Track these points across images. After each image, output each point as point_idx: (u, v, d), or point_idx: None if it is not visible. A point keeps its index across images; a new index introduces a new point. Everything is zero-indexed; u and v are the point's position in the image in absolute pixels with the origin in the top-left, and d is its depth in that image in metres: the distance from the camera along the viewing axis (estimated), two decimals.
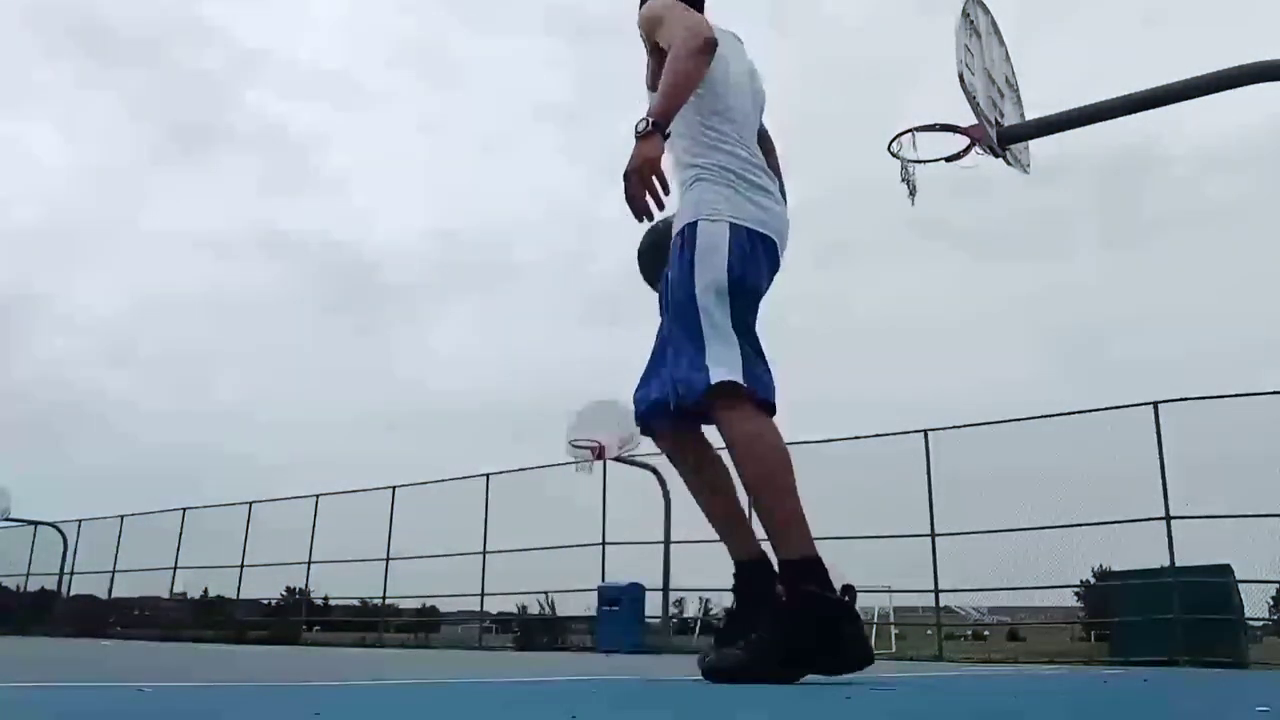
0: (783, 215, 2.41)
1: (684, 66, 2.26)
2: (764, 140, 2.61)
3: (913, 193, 5.75)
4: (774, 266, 2.38)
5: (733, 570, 2.34)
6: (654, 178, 2.19)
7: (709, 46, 2.30)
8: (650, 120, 2.23)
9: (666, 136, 2.26)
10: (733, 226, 2.29)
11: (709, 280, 2.25)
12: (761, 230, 2.31)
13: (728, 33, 2.56)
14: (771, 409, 2.23)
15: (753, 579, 2.28)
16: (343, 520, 16.57)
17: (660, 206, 2.23)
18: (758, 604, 2.21)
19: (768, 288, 2.37)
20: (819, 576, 2.09)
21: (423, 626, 18.20)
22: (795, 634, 2.09)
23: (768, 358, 2.27)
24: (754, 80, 2.61)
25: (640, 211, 2.21)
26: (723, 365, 2.18)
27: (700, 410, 2.23)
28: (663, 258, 2.42)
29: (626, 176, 2.18)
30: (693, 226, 2.34)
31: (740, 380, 2.16)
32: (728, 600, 2.61)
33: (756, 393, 2.18)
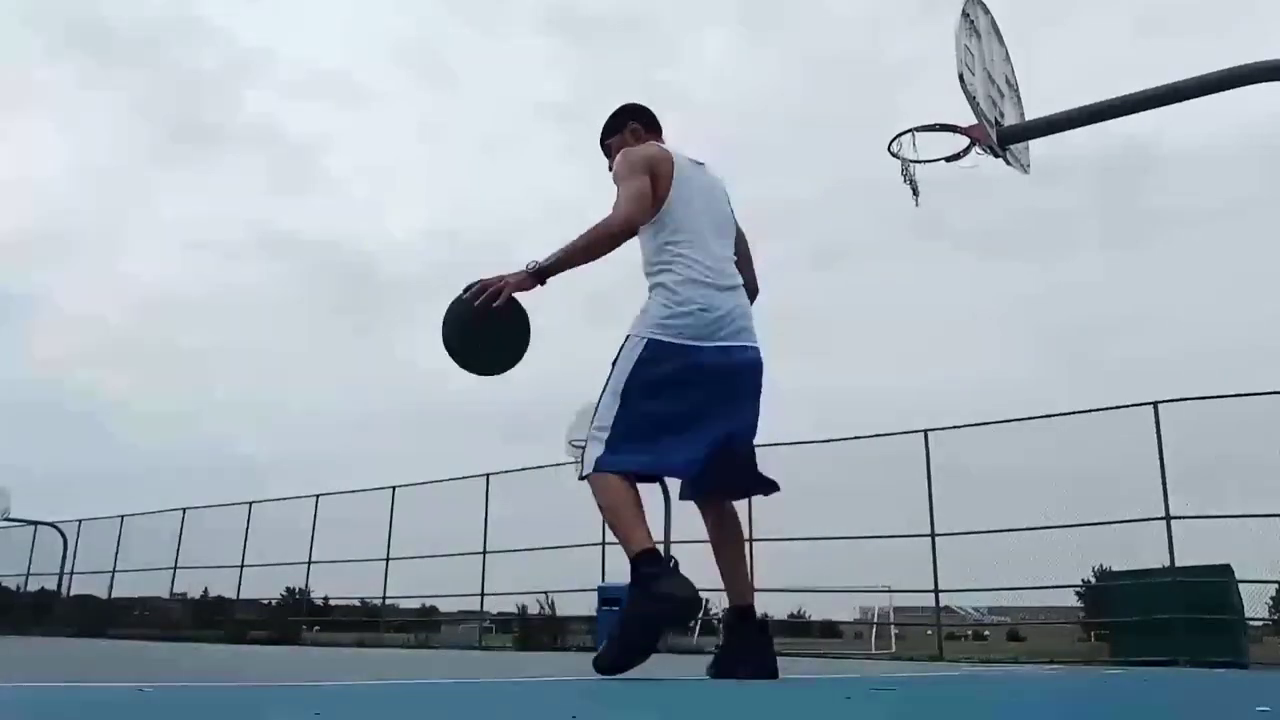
0: (717, 312, 2.83)
1: (597, 238, 2.78)
2: (738, 241, 3.07)
3: (916, 193, 5.75)
4: (693, 359, 2.80)
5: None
6: (495, 295, 2.71)
7: (626, 230, 2.83)
8: (539, 266, 2.74)
9: (543, 283, 2.77)
10: (648, 342, 2.80)
11: (613, 385, 2.81)
12: (676, 341, 2.79)
13: (688, 160, 3.02)
14: (638, 475, 2.78)
15: (734, 620, 2.88)
16: (343, 520, 16.57)
17: (483, 316, 2.71)
18: (733, 639, 2.87)
19: (693, 373, 2.78)
20: (649, 563, 2.63)
21: (423, 626, 18.20)
22: (639, 605, 2.63)
23: (671, 432, 2.75)
24: (714, 198, 3.04)
25: (471, 299, 2.72)
26: (586, 463, 2.80)
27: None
28: (451, 326, 2.80)
29: (482, 283, 2.72)
30: (625, 340, 2.86)
31: (589, 471, 2.77)
32: (728, 600, 2.93)
33: (610, 469, 2.74)
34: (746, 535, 11.74)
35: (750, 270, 3.10)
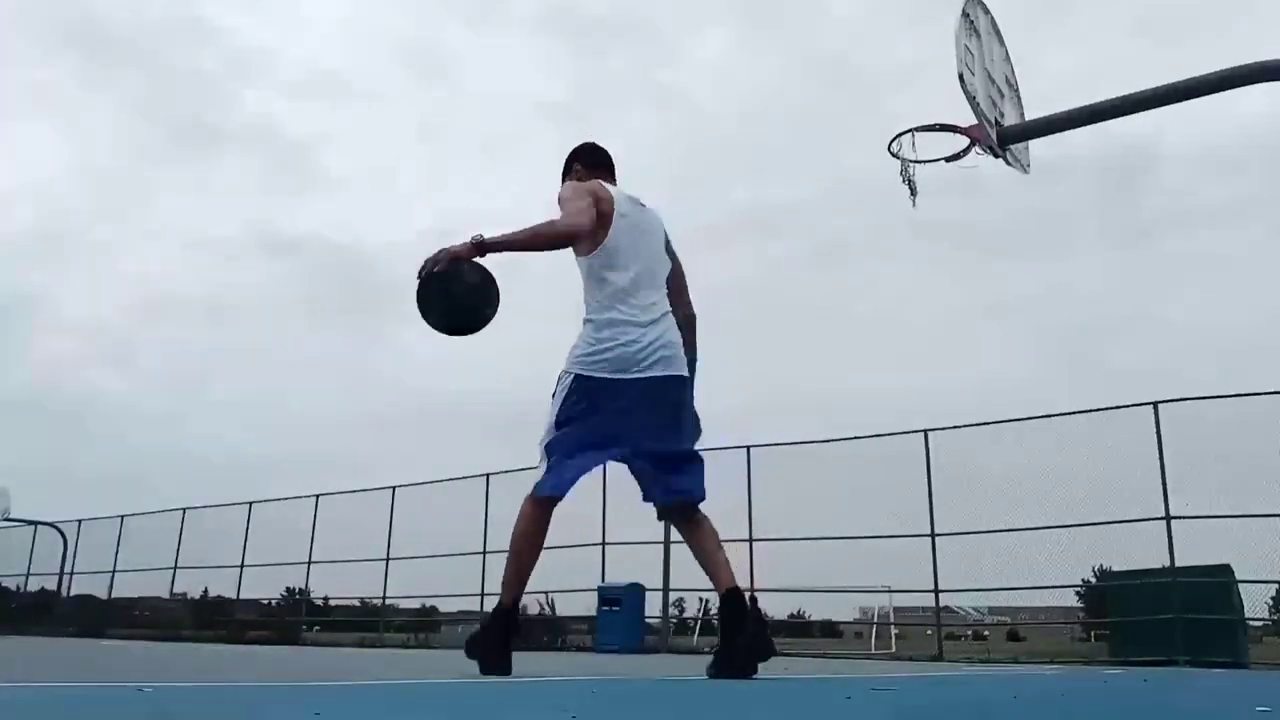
0: (637, 346, 3.11)
1: (541, 234, 3.05)
2: (672, 274, 3.34)
3: (914, 193, 5.75)
4: (613, 390, 3.09)
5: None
6: (440, 264, 2.99)
7: (568, 235, 3.09)
8: (482, 239, 2.99)
9: (483, 254, 3.01)
10: (575, 377, 3.11)
11: (550, 418, 3.13)
12: (598, 375, 3.09)
13: (628, 198, 3.28)
14: (552, 499, 3.12)
15: (724, 606, 3.10)
16: (343, 520, 16.56)
17: (429, 279, 3.00)
18: (727, 623, 3.08)
19: (612, 402, 3.08)
20: (501, 617, 3.11)
21: (423, 626, 18.18)
22: (482, 642, 3.11)
23: (583, 453, 3.10)
24: (649, 236, 3.28)
25: (420, 271, 3.02)
26: (531, 484, 3.15)
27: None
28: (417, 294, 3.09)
29: (434, 256, 3.00)
30: (559, 375, 3.18)
31: (530, 495, 3.13)
32: (717, 591, 3.15)
33: (539, 493, 3.11)
34: (746, 535, 11.77)
35: (684, 300, 3.41)
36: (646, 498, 3.28)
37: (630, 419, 3.09)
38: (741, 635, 2.98)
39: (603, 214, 3.15)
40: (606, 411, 3.08)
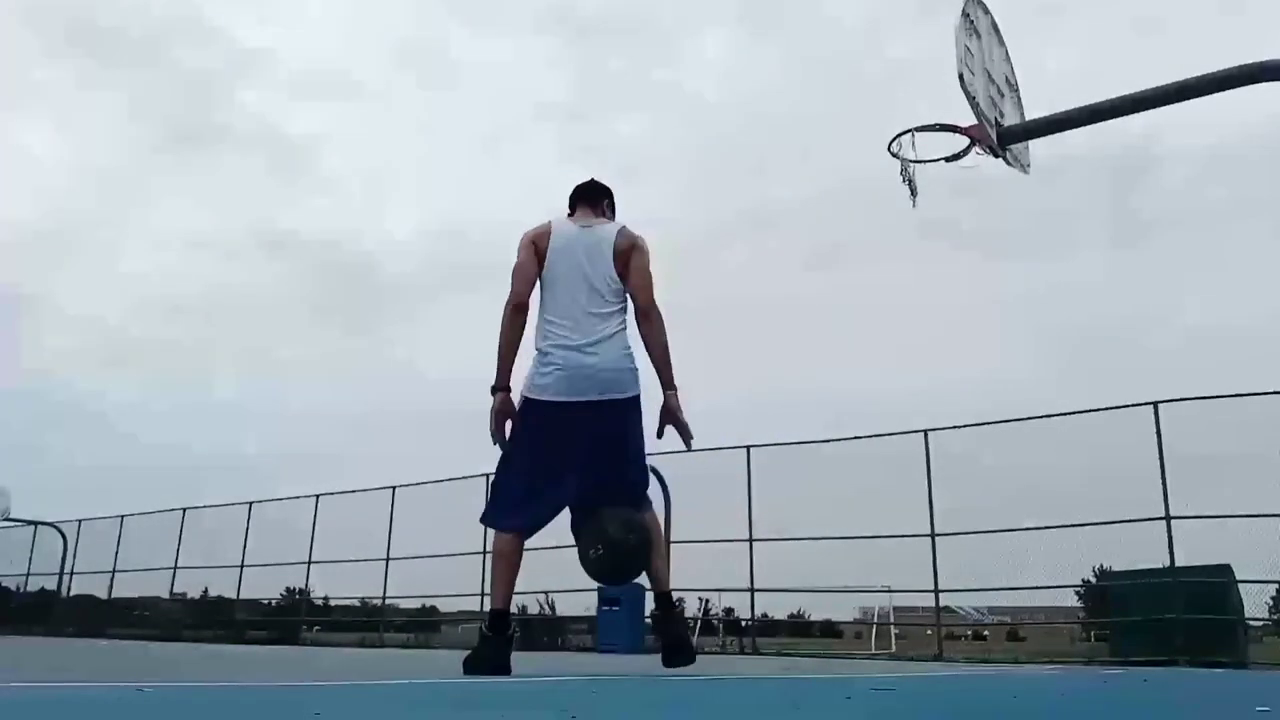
0: (581, 371, 3.27)
1: (500, 329, 3.37)
2: (635, 293, 3.40)
3: (914, 193, 5.75)
4: (558, 414, 3.29)
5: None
6: (497, 435, 3.41)
7: (511, 307, 3.35)
8: (494, 387, 3.35)
9: (507, 389, 3.37)
10: (523, 401, 3.35)
11: (503, 448, 3.44)
12: (543, 399, 3.30)
13: (574, 227, 3.45)
14: (509, 529, 3.40)
15: (657, 605, 3.54)
16: (343, 520, 16.56)
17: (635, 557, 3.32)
18: (659, 620, 3.56)
19: (559, 426, 3.29)
20: (493, 622, 3.35)
21: (423, 626, 18.18)
22: (481, 647, 3.38)
23: (533, 489, 3.34)
24: (593, 260, 3.38)
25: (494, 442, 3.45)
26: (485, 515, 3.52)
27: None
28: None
29: (494, 430, 3.42)
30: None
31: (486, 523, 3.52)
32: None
33: (494, 525, 3.45)
34: (746, 535, 11.77)
35: (647, 325, 3.41)
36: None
37: (578, 447, 3.27)
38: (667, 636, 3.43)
39: (540, 253, 3.38)
40: (556, 437, 3.27)
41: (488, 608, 3.59)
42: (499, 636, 3.32)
